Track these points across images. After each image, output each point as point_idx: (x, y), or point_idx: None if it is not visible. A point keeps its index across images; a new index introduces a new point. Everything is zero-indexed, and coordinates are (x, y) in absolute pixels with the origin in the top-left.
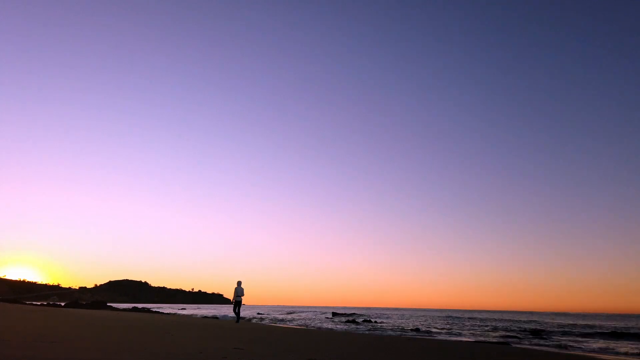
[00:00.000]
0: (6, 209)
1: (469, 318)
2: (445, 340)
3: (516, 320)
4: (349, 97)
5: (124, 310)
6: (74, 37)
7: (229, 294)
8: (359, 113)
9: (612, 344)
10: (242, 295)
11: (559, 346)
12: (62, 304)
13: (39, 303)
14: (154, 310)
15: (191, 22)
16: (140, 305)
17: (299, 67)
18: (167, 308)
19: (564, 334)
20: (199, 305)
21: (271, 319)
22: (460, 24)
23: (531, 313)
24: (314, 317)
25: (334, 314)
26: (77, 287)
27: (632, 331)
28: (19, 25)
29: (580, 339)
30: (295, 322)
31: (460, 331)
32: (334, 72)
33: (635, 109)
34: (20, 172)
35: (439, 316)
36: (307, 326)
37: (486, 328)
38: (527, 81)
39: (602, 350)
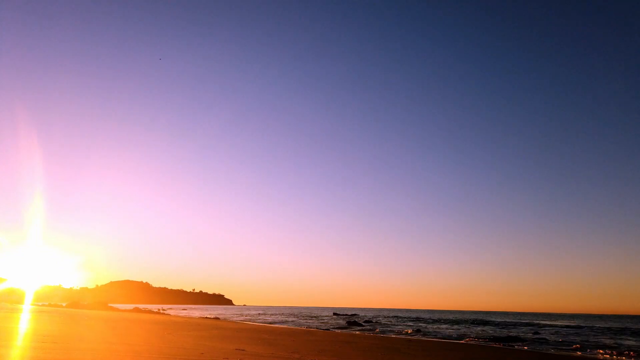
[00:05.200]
0: (7, 207)
1: (469, 320)
2: (446, 341)
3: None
4: (349, 97)
5: (125, 310)
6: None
7: (230, 295)
8: (358, 112)
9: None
10: None
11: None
12: (64, 304)
13: (40, 304)
14: (155, 310)
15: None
16: (141, 306)
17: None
18: (168, 309)
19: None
20: (200, 306)
21: (272, 319)
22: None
23: (530, 315)
24: (315, 317)
25: (335, 314)
26: (78, 288)
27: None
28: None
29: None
30: (296, 323)
31: (464, 332)
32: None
33: (633, 107)
34: (19, 171)
35: (439, 317)
36: (308, 326)
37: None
38: (524, 80)
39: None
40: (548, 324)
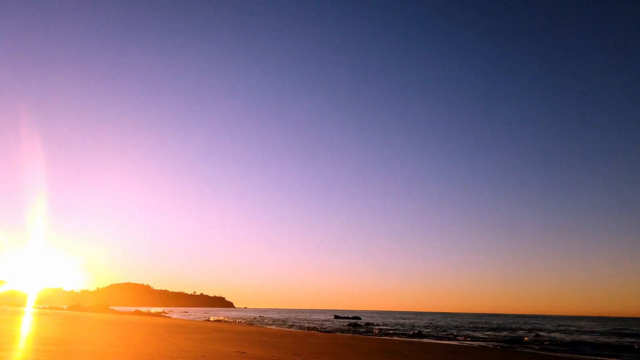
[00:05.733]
0: (9, 209)
1: (471, 322)
2: (447, 344)
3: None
4: (348, 99)
5: (126, 313)
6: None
7: (231, 298)
8: (359, 114)
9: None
10: None
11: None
12: (65, 306)
13: (41, 306)
14: (156, 313)
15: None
16: (142, 308)
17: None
18: (169, 311)
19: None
20: (201, 309)
21: (273, 322)
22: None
23: (533, 317)
24: (316, 319)
25: (336, 317)
26: (79, 290)
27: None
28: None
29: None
30: (297, 325)
31: (466, 335)
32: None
33: (633, 111)
34: (20, 173)
35: (441, 320)
36: (309, 329)
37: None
38: (525, 83)
39: None
40: (548, 326)
